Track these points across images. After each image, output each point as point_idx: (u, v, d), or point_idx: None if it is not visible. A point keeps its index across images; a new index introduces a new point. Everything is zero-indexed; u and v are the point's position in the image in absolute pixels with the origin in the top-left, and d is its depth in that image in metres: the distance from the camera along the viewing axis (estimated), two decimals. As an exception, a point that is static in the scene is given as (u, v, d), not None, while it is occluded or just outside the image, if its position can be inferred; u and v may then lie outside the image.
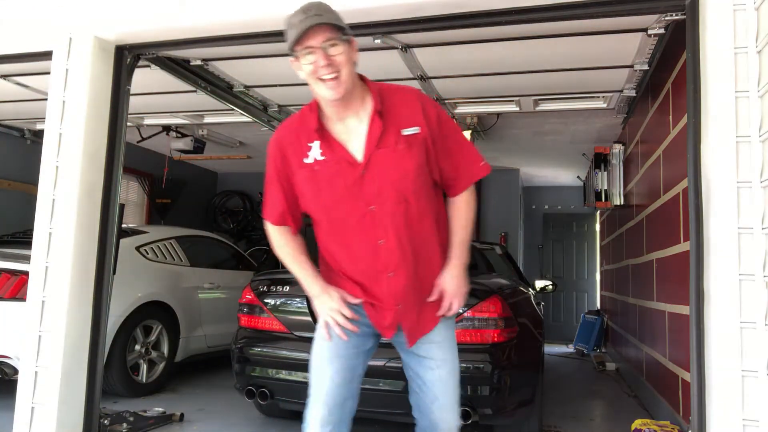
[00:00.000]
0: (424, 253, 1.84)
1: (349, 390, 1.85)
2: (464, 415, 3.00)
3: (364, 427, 3.76)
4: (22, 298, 3.32)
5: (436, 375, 1.84)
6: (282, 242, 1.94)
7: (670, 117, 3.46)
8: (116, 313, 4.03)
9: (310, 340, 1.97)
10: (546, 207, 9.67)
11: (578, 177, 7.97)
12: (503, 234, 8.29)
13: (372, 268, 1.81)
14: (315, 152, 1.79)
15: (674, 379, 3.38)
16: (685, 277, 2.56)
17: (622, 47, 3.35)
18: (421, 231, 1.82)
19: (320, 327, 1.90)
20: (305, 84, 1.75)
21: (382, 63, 3.64)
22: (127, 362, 4.29)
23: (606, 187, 5.59)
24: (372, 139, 1.76)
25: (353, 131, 1.80)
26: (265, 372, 3.35)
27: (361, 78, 1.83)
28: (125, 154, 3.19)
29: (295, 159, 1.83)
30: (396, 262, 1.79)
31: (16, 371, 3.45)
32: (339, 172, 1.78)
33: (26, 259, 3.27)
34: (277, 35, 2.93)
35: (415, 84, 4.08)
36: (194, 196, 8.73)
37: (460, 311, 2.90)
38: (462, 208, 1.90)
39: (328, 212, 1.85)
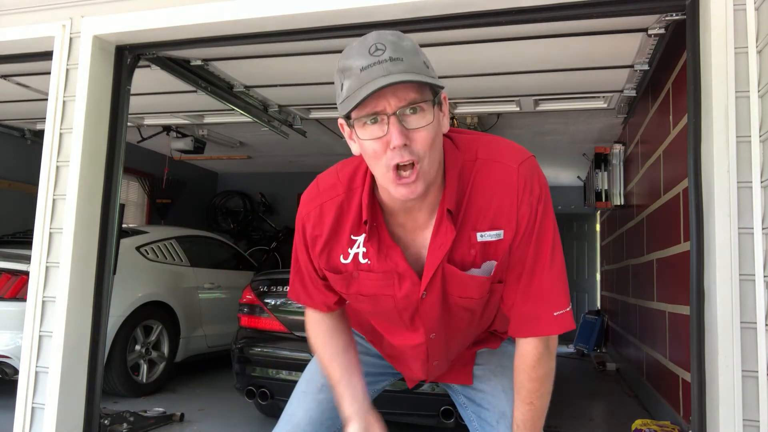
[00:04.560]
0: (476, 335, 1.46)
1: (327, 428, 1.47)
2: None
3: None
4: (23, 298, 3.32)
5: (494, 404, 1.45)
6: (320, 334, 1.42)
7: (671, 117, 3.46)
8: (116, 313, 4.03)
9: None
10: (546, 207, 9.63)
11: (578, 177, 7.97)
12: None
13: (410, 355, 1.44)
14: (358, 251, 1.25)
15: (674, 379, 3.38)
16: (686, 277, 2.56)
17: (623, 47, 3.35)
18: (481, 324, 1.42)
19: None
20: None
21: (382, 63, 3.63)
22: (128, 362, 4.29)
23: (606, 187, 5.59)
24: (436, 250, 1.20)
25: (418, 230, 1.24)
26: (265, 372, 3.36)
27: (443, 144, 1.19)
28: (125, 154, 3.19)
29: (326, 252, 1.29)
30: (440, 356, 1.43)
31: (16, 371, 3.45)
32: (387, 289, 1.26)
33: (26, 259, 3.27)
34: (277, 35, 2.95)
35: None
36: (194, 196, 8.73)
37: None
38: (527, 367, 1.28)
39: (369, 320, 1.45)
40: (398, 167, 1.09)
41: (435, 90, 1.10)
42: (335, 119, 1.36)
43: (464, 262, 1.24)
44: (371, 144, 1.09)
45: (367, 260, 1.25)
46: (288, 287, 1.43)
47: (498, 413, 1.42)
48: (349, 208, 1.24)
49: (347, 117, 1.10)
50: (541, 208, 1.21)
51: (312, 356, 1.52)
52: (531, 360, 1.28)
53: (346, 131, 1.16)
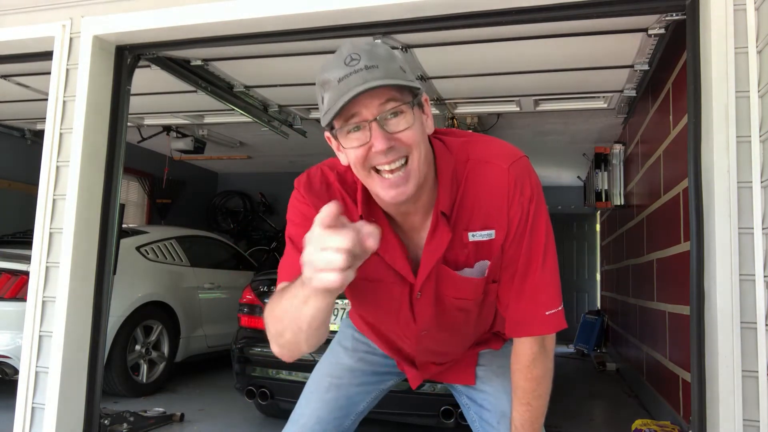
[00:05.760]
0: (475, 334, 1.47)
1: (335, 427, 1.48)
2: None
3: (364, 427, 3.75)
4: (23, 298, 3.32)
5: (493, 404, 1.47)
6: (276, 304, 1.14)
7: (671, 117, 3.46)
8: (117, 314, 4.03)
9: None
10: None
11: (578, 177, 7.96)
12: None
13: (406, 343, 1.45)
14: None
15: (674, 379, 3.38)
16: (686, 277, 2.56)
17: (623, 47, 3.35)
18: (479, 324, 1.43)
19: (333, 343, 1.61)
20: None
21: (382, 63, 3.63)
22: (128, 362, 4.29)
23: (606, 187, 5.59)
24: (432, 252, 1.21)
25: (414, 231, 1.24)
26: (265, 372, 3.36)
27: (431, 143, 1.19)
28: (125, 155, 3.19)
29: None
30: (431, 354, 1.46)
31: (16, 371, 3.45)
32: (386, 283, 1.27)
33: (26, 259, 3.27)
34: (277, 35, 2.94)
35: (416, 84, 4.08)
36: (194, 196, 8.73)
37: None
38: (522, 367, 1.30)
39: (362, 308, 1.44)
40: (377, 170, 1.09)
41: (414, 92, 1.10)
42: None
43: (457, 261, 1.25)
44: (355, 151, 1.09)
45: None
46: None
47: (499, 414, 1.43)
48: (347, 201, 1.23)
49: (331, 128, 1.11)
50: (533, 208, 1.21)
51: (315, 357, 1.52)
52: (526, 360, 1.29)
53: (333, 144, 1.16)
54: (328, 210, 0.84)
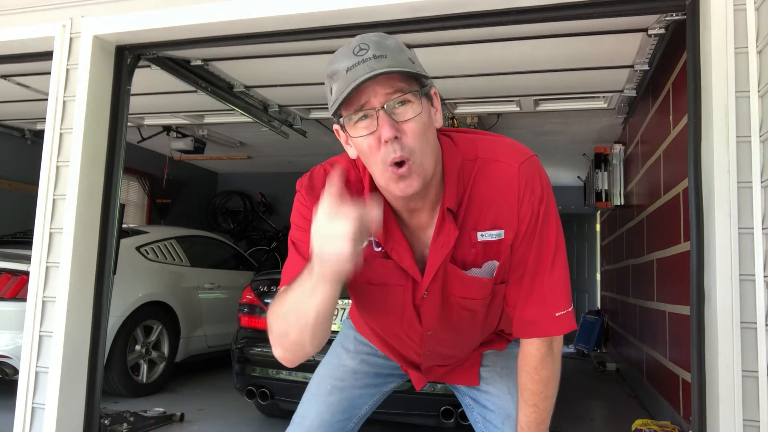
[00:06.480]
0: (481, 334, 1.46)
1: (338, 430, 1.49)
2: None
3: (364, 427, 3.74)
4: (23, 298, 3.32)
5: (498, 404, 1.46)
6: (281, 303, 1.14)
7: (671, 117, 3.46)
8: (117, 313, 4.04)
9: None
10: (546, 207, 9.62)
11: (578, 177, 7.96)
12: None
13: (410, 348, 1.44)
14: (371, 238, 1.21)
15: (675, 379, 3.38)
16: (686, 277, 2.56)
17: (623, 47, 3.35)
18: (486, 325, 1.41)
19: (335, 344, 1.60)
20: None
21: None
22: (128, 362, 4.29)
23: (606, 188, 5.59)
24: (439, 250, 1.19)
25: (420, 230, 1.23)
26: (265, 372, 3.36)
27: (438, 139, 1.17)
28: (125, 154, 3.19)
29: None
30: (436, 356, 1.45)
31: (16, 371, 3.45)
32: (390, 286, 1.25)
33: (26, 259, 3.27)
34: (277, 35, 2.95)
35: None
36: (194, 196, 8.73)
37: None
38: (529, 368, 1.29)
39: (365, 313, 1.42)
40: (395, 163, 1.08)
41: (422, 83, 1.09)
42: (335, 120, 1.35)
43: (465, 261, 1.23)
44: (364, 140, 1.08)
45: (378, 249, 1.22)
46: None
47: (503, 415, 1.42)
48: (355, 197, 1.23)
49: (339, 117, 1.10)
50: (543, 208, 1.19)
51: (316, 357, 1.52)
52: (533, 361, 1.28)
53: (342, 137, 1.15)
54: (334, 187, 0.89)
